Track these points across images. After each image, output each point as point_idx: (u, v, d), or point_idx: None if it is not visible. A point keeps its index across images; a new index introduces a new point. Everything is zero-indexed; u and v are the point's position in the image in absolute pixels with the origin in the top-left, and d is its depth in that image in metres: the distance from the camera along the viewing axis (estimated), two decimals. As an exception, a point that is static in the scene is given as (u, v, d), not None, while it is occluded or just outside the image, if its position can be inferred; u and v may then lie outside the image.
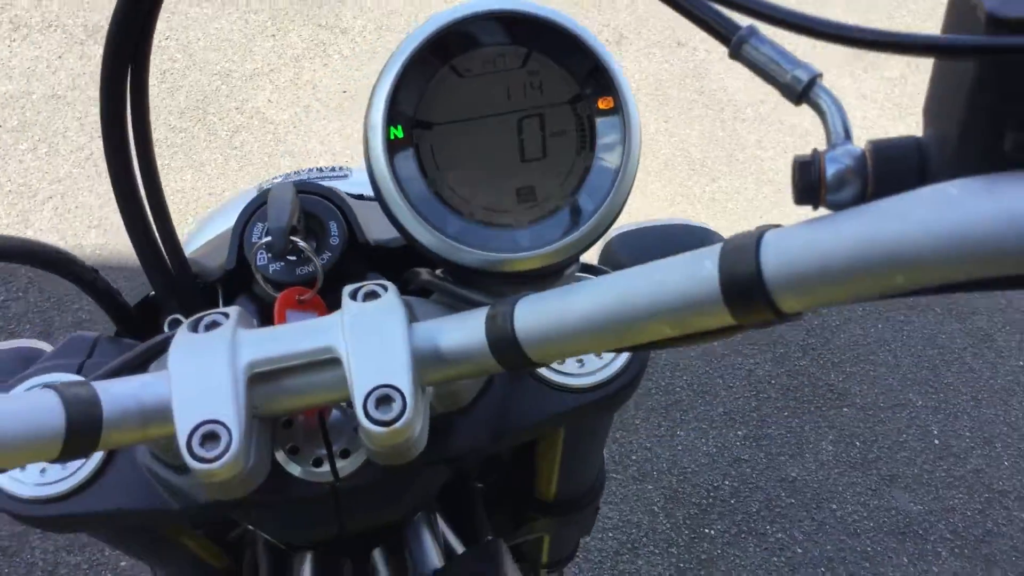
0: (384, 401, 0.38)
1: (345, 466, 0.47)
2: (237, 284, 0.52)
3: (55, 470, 0.48)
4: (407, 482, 0.52)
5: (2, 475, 0.48)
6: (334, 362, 0.40)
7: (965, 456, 1.86)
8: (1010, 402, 1.96)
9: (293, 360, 0.40)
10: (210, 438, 0.38)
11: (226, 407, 0.38)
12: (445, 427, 0.48)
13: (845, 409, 1.92)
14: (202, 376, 0.39)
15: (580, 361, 0.51)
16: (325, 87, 2.54)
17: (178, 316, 0.51)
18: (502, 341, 0.38)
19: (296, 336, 0.41)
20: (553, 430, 0.57)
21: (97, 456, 0.48)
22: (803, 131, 2.53)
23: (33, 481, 0.48)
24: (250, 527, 0.61)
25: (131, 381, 0.39)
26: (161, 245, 0.51)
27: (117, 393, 0.37)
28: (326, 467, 0.47)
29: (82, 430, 0.35)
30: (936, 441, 1.88)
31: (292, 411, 0.45)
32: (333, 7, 2.85)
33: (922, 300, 2.15)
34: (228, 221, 0.53)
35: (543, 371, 0.51)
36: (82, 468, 0.48)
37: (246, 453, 0.38)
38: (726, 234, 0.38)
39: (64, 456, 0.36)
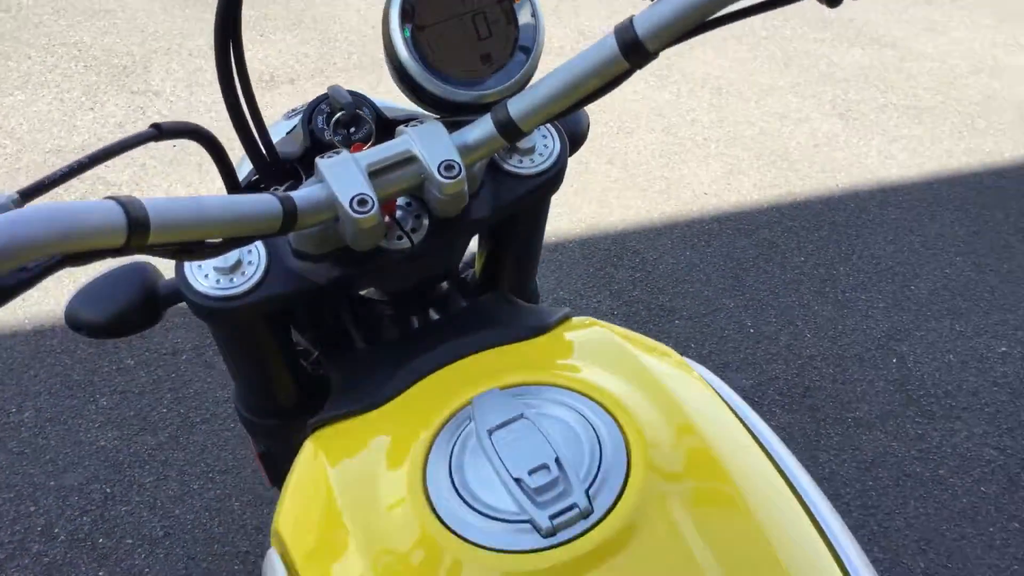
0: (448, 167, 0.67)
1: (415, 238, 0.74)
2: (310, 159, 0.76)
3: (228, 280, 0.70)
4: (451, 245, 0.78)
5: (197, 281, 0.70)
6: (413, 159, 0.68)
7: (776, 336, 2.26)
8: (800, 290, 2.40)
9: (389, 160, 0.67)
10: (362, 202, 0.64)
11: (366, 187, 0.65)
12: (468, 205, 0.74)
13: (676, 321, 2.29)
14: (346, 173, 0.65)
15: (530, 160, 0.79)
16: (154, 144, 2.68)
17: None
18: (504, 125, 0.67)
19: (386, 149, 0.68)
20: (518, 213, 0.83)
21: (259, 268, 0.71)
22: None
23: (214, 287, 0.70)
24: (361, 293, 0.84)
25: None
26: (259, 140, 0.74)
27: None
28: (405, 241, 0.73)
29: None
30: (751, 330, 2.28)
31: (396, 193, 0.70)
32: (140, 75, 3.00)
33: (716, 228, 2.57)
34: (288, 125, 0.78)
35: (511, 167, 0.78)
36: (252, 277, 0.71)
37: (379, 213, 0.65)
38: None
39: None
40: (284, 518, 0.70)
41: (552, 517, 0.57)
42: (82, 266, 0.53)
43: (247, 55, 0.86)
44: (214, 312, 0.72)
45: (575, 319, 0.78)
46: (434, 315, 0.87)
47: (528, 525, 0.58)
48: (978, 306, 2.38)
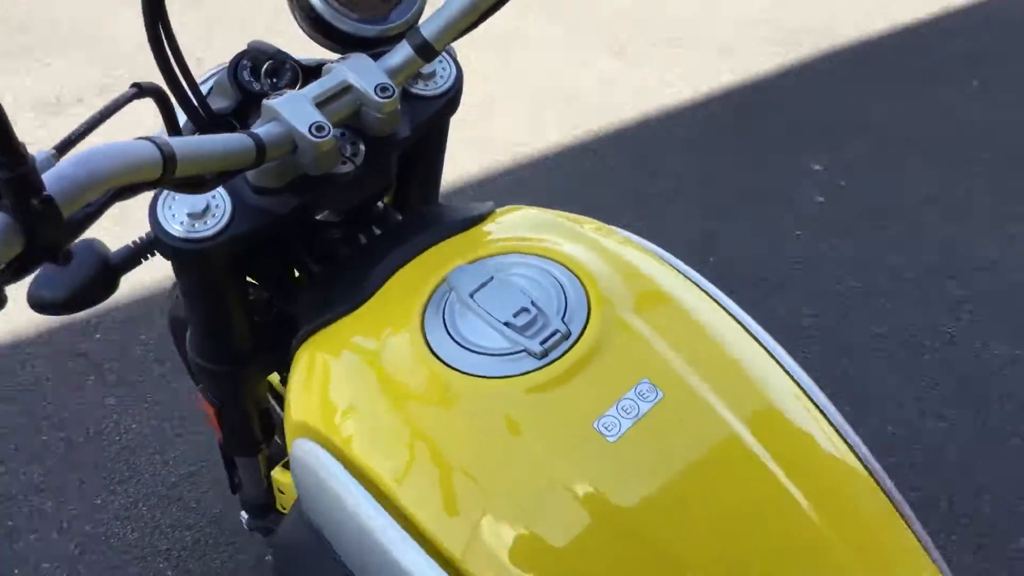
0: (383, 89, 0.79)
1: (356, 161, 0.84)
2: (243, 112, 0.85)
3: (202, 223, 0.79)
4: (387, 164, 0.89)
5: (172, 228, 0.78)
6: (350, 87, 0.80)
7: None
8: (620, 215, 2.66)
9: (332, 90, 0.79)
10: (319, 128, 0.75)
11: (318, 115, 0.76)
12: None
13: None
14: (298, 106, 0.76)
15: (434, 83, 0.91)
16: None
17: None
18: (420, 48, 0.81)
19: (327, 82, 0.79)
20: (426, 133, 0.94)
21: (226, 210, 0.80)
22: None
23: (191, 231, 0.79)
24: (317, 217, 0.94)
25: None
26: (193, 98, 0.80)
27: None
28: (349, 165, 0.84)
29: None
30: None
31: (342, 119, 0.80)
32: None
33: (528, 176, 2.79)
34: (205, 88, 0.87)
35: (420, 91, 0.90)
36: (222, 219, 0.80)
37: (335, 136, 0.76)
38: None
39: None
40: (302, 412, 0.81)
41: (542, 343, 0.74)
42: (130, 198, 0.63)
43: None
44: (190, 255, 0.81)
45: (506, 207, 0.94)
46: (377, 231, 0.99)
47: (523, 354, 0.74)
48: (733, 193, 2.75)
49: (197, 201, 0.80)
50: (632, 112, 3.09)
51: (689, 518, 0.69)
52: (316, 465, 0.78)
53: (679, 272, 0.87)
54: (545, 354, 0.73)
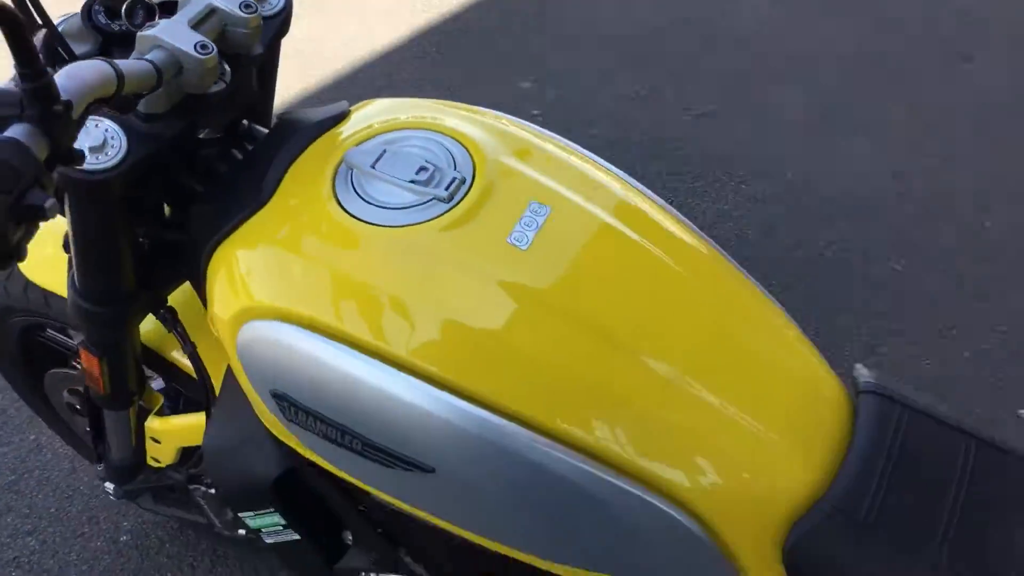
0: (247, 6, 0.90)
1: (226, 79, 0.92)
2: (107, 52, 0.91)
3: (105, 155, 0.85)
4: (250, 79, 0.98)
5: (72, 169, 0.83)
6: (215, 10, 0.89)
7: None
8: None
9: (201, 13, 0.88)
10: (203, 46, 0.84)
11: (198, 36, 0.85)
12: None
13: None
14: (177, 31, 0.85)
15: (269, 5, 0.99)
16: None
17: None
18: None
19: (194, 7, 0.88)
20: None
21: (122, 141, 0.87)
22: None
23: (94, 163, 0.85)
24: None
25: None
26: (58, 45, 0.85)
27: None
28: (221, 83, 0.91)
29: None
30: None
31: (219, 40, 0.89)
32: None
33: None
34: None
35: (263, 11, 0.97)
36: (120, 148, 0.86)
37: (216, 52, 0.85)
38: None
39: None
40: (240, 301, 0.90)
41: (446, 188, 0.91)
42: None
43: None
44: (95, 186, 0.87)
45: (363, 102, 1.08)
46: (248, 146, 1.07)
47: (432, 201, 0.91)
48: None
49: (95, 136, 0.86)
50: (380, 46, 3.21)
51: (596, 289, 0.88)
52: (277, 336, 0.86)
53: (526, 127, 1.05)
54: (451, 197, 0.91)
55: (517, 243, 0.88)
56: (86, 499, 1.85)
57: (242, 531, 1.47)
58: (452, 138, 0.98)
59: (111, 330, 1.09)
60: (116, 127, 0.88)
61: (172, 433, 1.33)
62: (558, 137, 1.07)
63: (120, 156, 0.87)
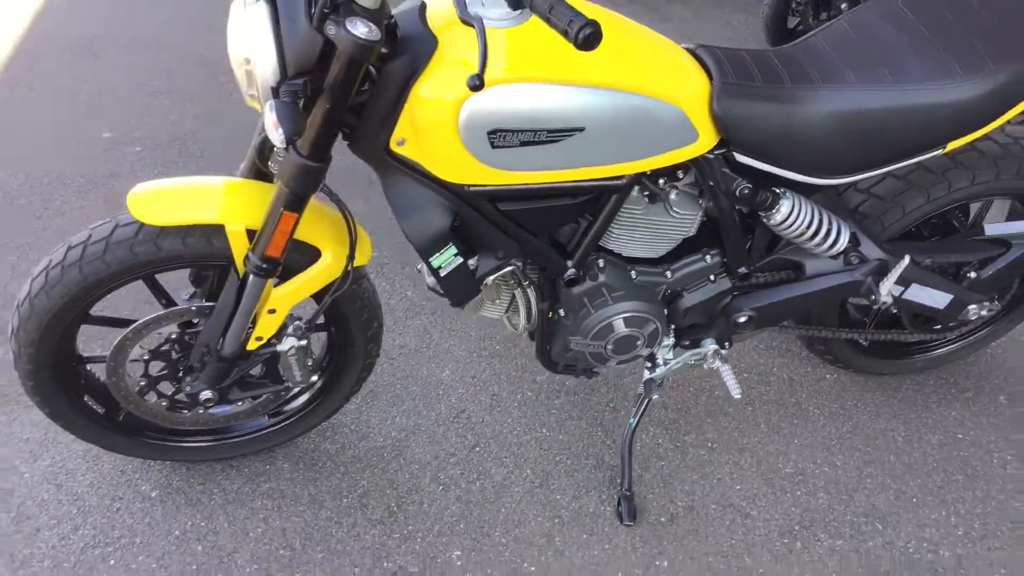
0: None
1: None
2: None
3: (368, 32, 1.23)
4: None
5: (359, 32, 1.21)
6: None
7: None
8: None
9: None
10: None
11: None
12: None
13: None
14: None
15: None
16: None
17: None
18: None
19: None
20: None
21: (374, 33, 1.22)
22: None
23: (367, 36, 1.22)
24: None
25: None
26: None
27: None
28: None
29: None
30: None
31: None
32: None
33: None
34: None
35: None
36: (375, 32, 1.23)
37: None
38: None
39: None
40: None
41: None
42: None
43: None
44: (364, 49, 1.22)
45: None
46: None
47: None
48: None
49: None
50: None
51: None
52: (498, 94, 1.32)
53: None
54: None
55: None
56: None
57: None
58: None
59: (315, 184, 1.39)
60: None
61: (290, 296, 1.59)
62: None
63: (377, 34, 1.22)
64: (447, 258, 1.51)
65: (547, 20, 1.11)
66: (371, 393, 2.12)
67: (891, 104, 1.50)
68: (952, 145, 1.58)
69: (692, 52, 1.54)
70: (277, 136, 1.22)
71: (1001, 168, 1.72)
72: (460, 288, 1.57)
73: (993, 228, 1.87)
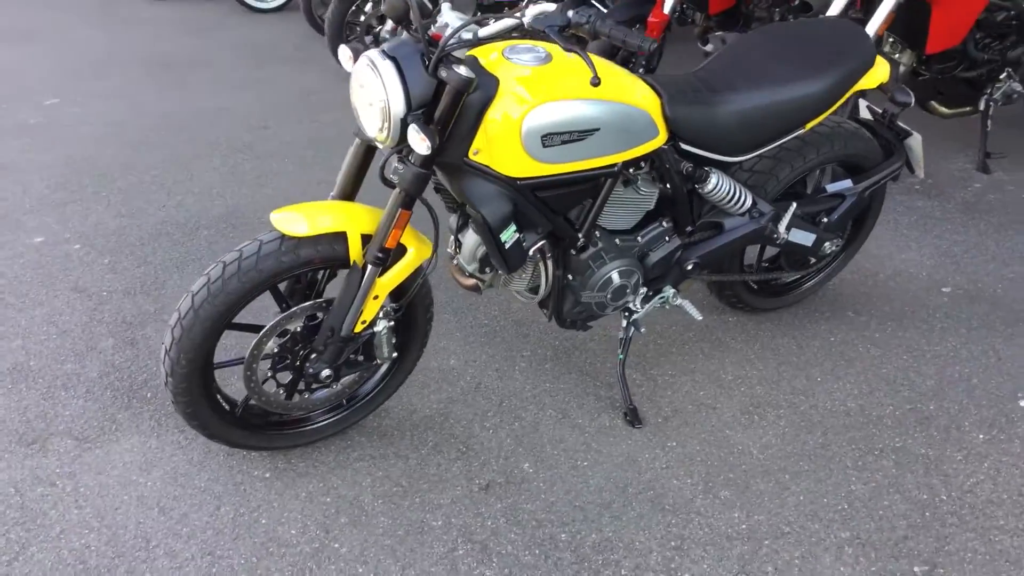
0: None
1: None
2: None
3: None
4: None
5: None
6: None
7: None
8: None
9: None
10: None
11: None
12: None
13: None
14: None
15: None
16: None
17: None
18: None
19: None
20: None
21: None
22: None
23: None
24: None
25: None
26: None
27: None
28: None
29: None
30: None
31: None
32: None
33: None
34: None
35: None
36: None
37: None
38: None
39: None
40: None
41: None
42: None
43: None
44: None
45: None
46: None
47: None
48: None
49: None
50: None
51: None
52: (548, 109, 1.89)
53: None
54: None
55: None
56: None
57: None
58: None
59: (423, 188, 1.91)
60: None
61: (389, 283, 2.06)
62: None
63: (472, 74, 1.79)
64: (510, 234, 2.03)
65: (622, 43, 1.70)
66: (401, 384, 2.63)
67: (772, 100, 2.28)
68: (810, 124, 2.42)
69: (642, 78, 2.19)
70: (424, 147, 1.74)
71: (834, 143, 2.57)
72: (515, 256, 2.09)
73: (832, 186, 2.73)
